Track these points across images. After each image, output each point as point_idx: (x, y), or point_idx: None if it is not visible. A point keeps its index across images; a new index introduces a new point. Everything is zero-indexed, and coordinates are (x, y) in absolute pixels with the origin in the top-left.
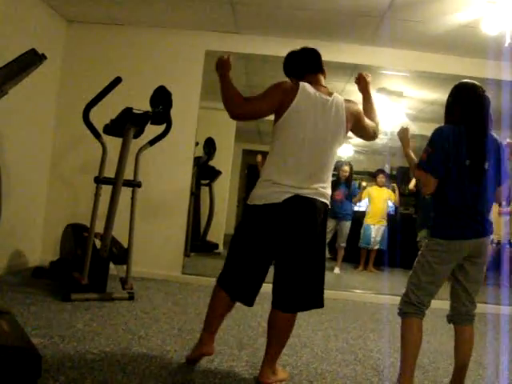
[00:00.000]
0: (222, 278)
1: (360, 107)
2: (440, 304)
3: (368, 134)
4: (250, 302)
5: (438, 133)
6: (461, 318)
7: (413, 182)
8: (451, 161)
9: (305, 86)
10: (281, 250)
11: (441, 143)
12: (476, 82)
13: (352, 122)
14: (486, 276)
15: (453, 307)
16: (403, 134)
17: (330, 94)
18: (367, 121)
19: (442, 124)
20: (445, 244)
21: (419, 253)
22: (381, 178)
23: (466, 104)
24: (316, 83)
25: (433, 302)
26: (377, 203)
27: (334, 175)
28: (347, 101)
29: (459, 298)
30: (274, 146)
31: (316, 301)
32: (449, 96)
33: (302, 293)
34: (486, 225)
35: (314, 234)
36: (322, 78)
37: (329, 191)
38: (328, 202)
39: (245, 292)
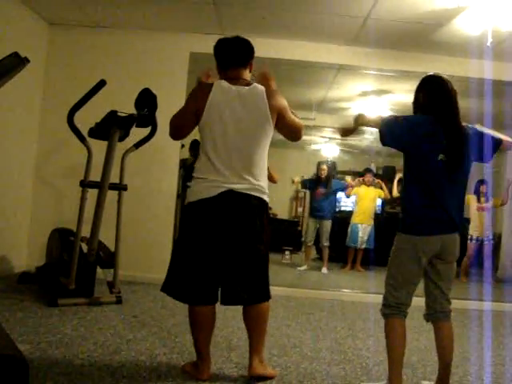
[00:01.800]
0: (166, 284)
1: (285, 102)
2: None
3: (292, 130)
4: (210, 301)
5: (414, 118)
6: (437, 315)
7: (395, 189)
8: (418, 153)
9: (219, 83)
10: (222, 244)
11: (411, 127)
12: (442, 75)
13: (276, 112)
14: (468, 272)
15: (428, 305)
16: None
17: (249, 85)
18: (293, 117)
19: None
20: (413, 240)
21: (391, 250)
22: (368, 178)
23: (439, 98)
24: (236, 77)
25: (419, 299)
26: (364, 202)
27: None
28: (271, 91)
29: (434, 296)
30: (202, 147)
31: (260, 294)
32: (418, 91)
33: (243, 287)
34: (456, 220)
35: (250, 228)
36: (245, 72)
37: (264, 184)
38: (265, 196)
39: (201, 292)
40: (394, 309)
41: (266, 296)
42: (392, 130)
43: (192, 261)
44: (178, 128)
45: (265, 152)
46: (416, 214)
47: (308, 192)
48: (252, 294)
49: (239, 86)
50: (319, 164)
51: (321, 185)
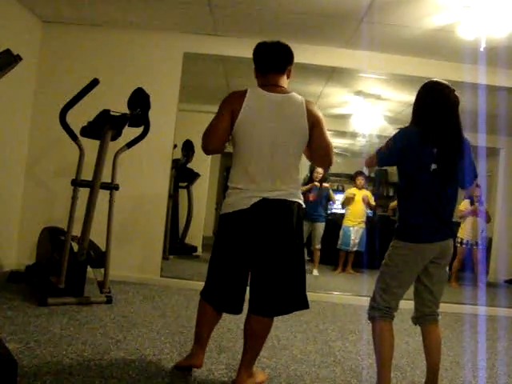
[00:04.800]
0: (205, 291)
1: (321, 116)
2: None
3: (323, 148)
4: (237, 310)
5: (400, 134)
6: (425, 318)
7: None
8: (410, 164)
9: (253, 90)
10: (256, 254)
11: (399, 144)
12: (442, 81)
13: (311, 122)
14: (458, 276)
15: (416, 309)
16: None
17: (287, 93)
18: (328, 136)
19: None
20: (413, 247)
21: (386, 255)
22: (360, 181)
23: (431, 106)
24: (274, 84)
25: (410, 302)
26: (356, 205)
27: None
28: (308, 101)
29: (423, 300)
30: (234, 154)
31: (298, 302)
32: (416, 98)
33: (280, 296)
34: (452, 226)
35: (287, 235)
36: (284, 78)
37: (298, 190)
38: (300, 200)
39: (230, 302)
40: (382, 312)
41: (305, 304)
42: (383, 156)
43: (229, 271)
44: (218, 138)
45: (298, 160)
46: (414, 223)
47: None
48: (293, 302)
49: (275, 94)
50: (314, 167)
51: (315, 188)
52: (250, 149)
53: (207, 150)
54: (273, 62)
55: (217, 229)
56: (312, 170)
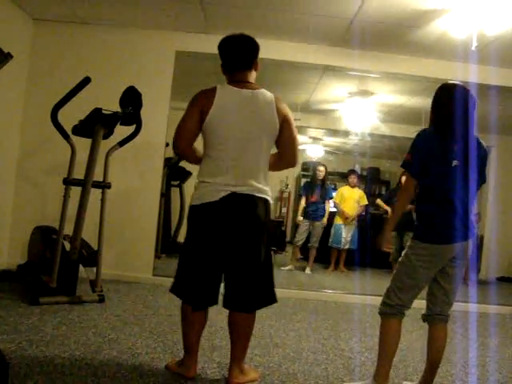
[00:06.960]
0: (176, 287)
1: (290, 113)
2: None
3: (290, 148)
4: (212, 303)
5: (417, 138)
6: (435, 317)
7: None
8: (434, 163)
9: (223, 87)
10: (225, 249)
11: (419, 148)
12: (457, 83)
13: (281, 118)
14: None
15: (428, 307)
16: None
17: (257, 89)
18: (296, 135)
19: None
20: (431, 248)
21: (403, 254)
22: (352, 179)
23: (443, 107)
24: (243, 80)
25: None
26: (348, 203)
27: (307, 176)
28: (278, 98)
29: (436, 299)
30: (205, 149)
31: (267, 298)
32: (432, 99)
33: (250, 292)
34: (471, 227)
35: (255, 230)
36: (252, 73)
37: (267, 187)
38: (268, 197)
39: (204, 297)
40: (394, 309)
41: (273, 299)
42: (409, 167)
43: (196, 264)
44: (185, 138)
45: (268, 157)
46: (435, 222)
47: (292, 192)
48: (259, 298)
49: (245, 90)
50: (316, 165)
51: (317, 187)
52: (220, 144)
53: (177, 150)
54: (239, 60)
55: (187, 221)
56: (315, 169)
